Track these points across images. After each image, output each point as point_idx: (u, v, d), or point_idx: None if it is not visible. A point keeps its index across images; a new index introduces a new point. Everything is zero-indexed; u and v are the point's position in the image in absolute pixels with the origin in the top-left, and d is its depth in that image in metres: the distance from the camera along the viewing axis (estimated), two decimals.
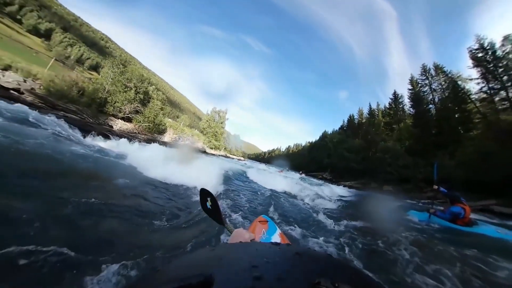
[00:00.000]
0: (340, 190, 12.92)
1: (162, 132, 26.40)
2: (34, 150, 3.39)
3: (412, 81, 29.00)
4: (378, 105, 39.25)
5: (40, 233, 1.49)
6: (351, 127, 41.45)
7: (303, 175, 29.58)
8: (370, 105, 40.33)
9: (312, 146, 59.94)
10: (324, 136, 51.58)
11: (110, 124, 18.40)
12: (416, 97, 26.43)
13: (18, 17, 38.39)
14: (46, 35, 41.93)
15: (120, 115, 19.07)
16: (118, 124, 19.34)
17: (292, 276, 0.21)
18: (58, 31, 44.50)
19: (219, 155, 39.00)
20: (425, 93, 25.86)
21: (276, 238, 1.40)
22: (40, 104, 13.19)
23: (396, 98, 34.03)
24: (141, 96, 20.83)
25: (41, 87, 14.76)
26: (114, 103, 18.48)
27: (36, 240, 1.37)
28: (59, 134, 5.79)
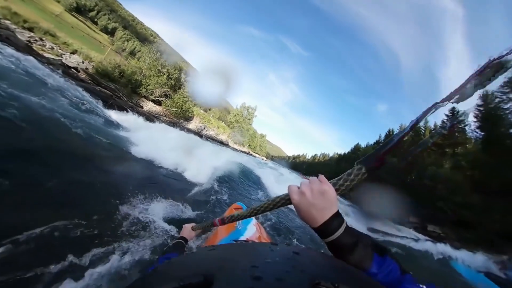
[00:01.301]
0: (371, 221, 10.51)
1: (188, 119, 27.26)
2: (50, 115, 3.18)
3: (486, 95, 22.33)
4: (426, 122, 32.51)
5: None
6: None
7: None
8: (416, 120, 33.58)
9: (341, 158, 54.81)
10: (357, 149, 46.51)
11: (141, 104, 19.64)
12: (491, 115, 20.12)
13: (95, 20, 50.15)
14: (112, 33, 50.84)
15: (151, 97, 20.12)
16: (148, 106, 20.48)
17: (292, 277, 0.21)
18: (120, 29, 52.79)
19: (241, 151, 38.61)
20: (507, 111, 19.20)
21: (251, 228, 1.39)
22: (88, 80, 15.17)
23: (454, 115, 27.03)
24: (173, 82, 21.62)
25: (93, 67, 16.89)
26: (147, 86, 19.53)
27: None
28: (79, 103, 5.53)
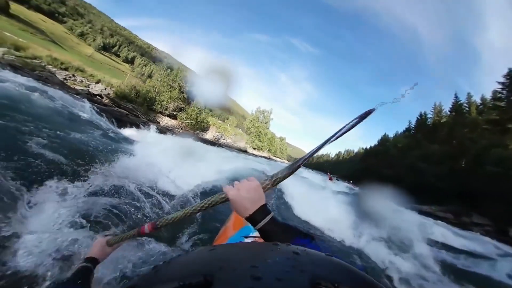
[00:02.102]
0: (425, 221, 7.64)
1: (204, 129, 28.04)
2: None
3: None
4: (470, 96, 26.56)
5: None
6: (423, 129, 30.60)
7: (351, 186, 23.06)
8: (456, 97, 27.63)
9: (367, 153, 49.40)
10: (384, 140, 41.31)
11: (157, 120, 20.89)
12: None
13: (118, 53, 59.42)
14: (132, 61, 57.54)
15: (167, 112, 21.26)
16: (165, 120, 21.63)
17: (292, 277, 0.21)
18: (138, 57, 59.98)
19: (261, 156, 37.82)
20: None
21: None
22: (110, 103, 17.06)
23: None
24: (185, 95, 22.59)
25: (113, 92, 18.89)
26: (162, 102, 20.73)
27: None
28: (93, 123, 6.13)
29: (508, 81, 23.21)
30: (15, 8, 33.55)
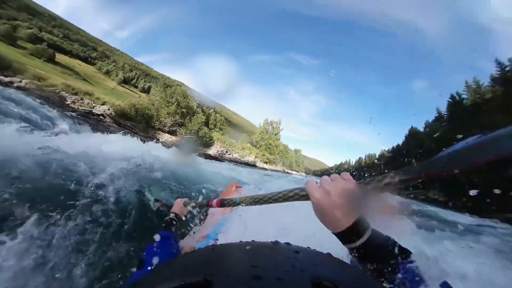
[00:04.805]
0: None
1: (208, 145, 27.46)
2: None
3: None
4: None
5: None
6: (458, 113, 25.27)
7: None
8: (499, 64, 21.65)
9: (395, 152, 42.65)
10: (413, 133, 35.06)
11: (157, 137, 20.85)
12: None
13: (136, 84, 67.35)
14: (148, 91, 65.02)
15: (166, 129, 21.21)
16: (164, 137, 21.45)
17: (292, 276, 0.21)
18: (153, 86, 68.58)
19: (273, 170, 35.07)
20: None
21: None
22: (110, 122, 17.85)
23: None
24: (184, 110, 22.62)
25: (114, 111, 19.88)
26: (160, 118, 20.86)
27: None
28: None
29: None
30: (59, 57, 42.69)
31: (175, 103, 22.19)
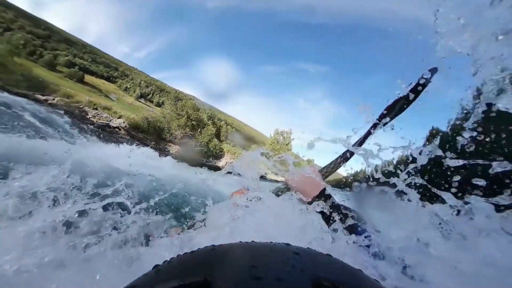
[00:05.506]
0: None
1: (218, 157, 27.36)
2: None
3: None
4: None
5: None
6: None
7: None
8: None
9: (415, 159, 39.31)
10: (434, 134, 32.46)
11: (168, 149, 21.25)
12: None
13: (152, 99, 72.16)
14: (162, 105, 69.16)
15: (176, 140, 21.59)
16: (175, 149, 21.86)
17: (292, 277, 0.21)
18: (165, 100, 72.98)
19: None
20: None
21: None
22: (125, 134, 18.77)
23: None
24: (194, 123, 23.04)
25: (128, 125, 20.91)
26: (170, 130, 21.35)
27: None
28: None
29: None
30: (87, 78, 49.31)
31: (185, 116, 22.75)
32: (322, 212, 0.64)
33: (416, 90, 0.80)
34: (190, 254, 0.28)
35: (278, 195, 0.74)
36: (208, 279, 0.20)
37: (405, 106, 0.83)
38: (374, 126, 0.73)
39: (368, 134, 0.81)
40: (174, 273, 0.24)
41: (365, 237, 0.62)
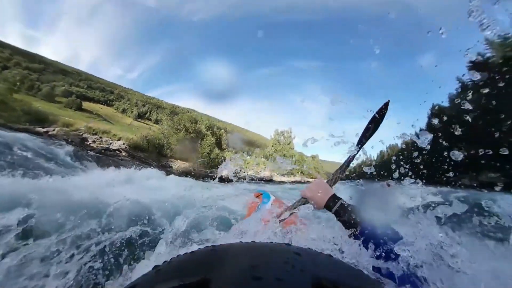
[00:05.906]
0: None
1: (220, 166, 27.26)
2: None
3: None
4: None
5: None
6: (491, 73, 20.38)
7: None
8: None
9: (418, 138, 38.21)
10: (440, 110, 31.66)
11: (170, 165, 21.30)
12: None
13: (150, 118, 71.48)
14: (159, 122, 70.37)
15: (177, 155, 21.66)
16: (177, 164, 21.88)
17: (292, 277, 0.21)
18: (161, 116, 73.31)
19: (292, 182, 33.52)
20: None
21: (268, 204, 1.57)
22: (125, 156, 18.86)
23: None
24: (192, 135, 23.13)
25: (128, 146, 21.09)
26: (170, 146, 21.44)
27: None
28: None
29: None
30: (85, 104, 50.26)
31: (183, 129, 22.86)
32: (337, 214, 0.73)
33: (377, 121, 0.97)
34: (190, 254, 0.28)
35: (296, 208, 0.85)
36: (208, 279, 0.20)
37: (374, 131, 1.00)
38: (353, 157, 0.90)
39: (352, 158, 0.93)
40: (174, 273, 0.24)
41: (369, 237, 0.66)
